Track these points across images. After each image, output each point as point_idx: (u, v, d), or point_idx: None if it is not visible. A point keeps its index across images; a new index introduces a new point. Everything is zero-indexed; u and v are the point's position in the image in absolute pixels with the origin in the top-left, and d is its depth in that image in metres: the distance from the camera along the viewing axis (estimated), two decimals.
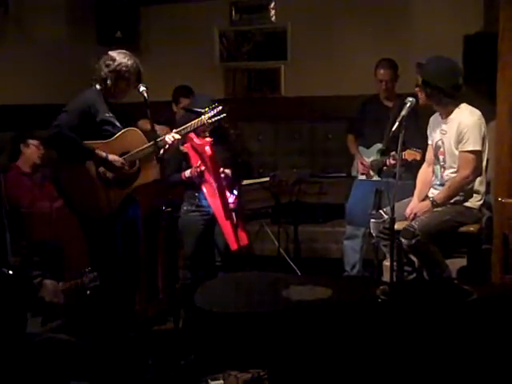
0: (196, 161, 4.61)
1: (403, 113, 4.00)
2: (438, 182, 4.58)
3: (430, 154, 4.67)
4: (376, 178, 5.38)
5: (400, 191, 4.12)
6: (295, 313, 3.84)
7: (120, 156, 4.21)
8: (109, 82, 4.19)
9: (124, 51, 4.24)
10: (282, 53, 7.11)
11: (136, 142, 4.24)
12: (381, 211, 4.60)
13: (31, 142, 5.33)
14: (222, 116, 4.39)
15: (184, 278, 4.82)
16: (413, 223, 4.36)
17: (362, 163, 5.56)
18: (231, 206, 4.64)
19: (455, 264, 4.79)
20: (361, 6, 6.67)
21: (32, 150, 5.35)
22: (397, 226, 4.18)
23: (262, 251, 6.08)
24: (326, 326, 3.70)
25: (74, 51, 6.95)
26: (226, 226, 4.62)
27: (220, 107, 4.38)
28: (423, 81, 4.39)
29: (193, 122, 4.32)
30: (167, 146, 4.22)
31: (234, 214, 4.64)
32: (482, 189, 4.49)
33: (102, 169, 4.20)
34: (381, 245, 4.70)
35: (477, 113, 4.41)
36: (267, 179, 5.99)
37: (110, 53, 4.21)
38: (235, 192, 4.73)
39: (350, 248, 5.67)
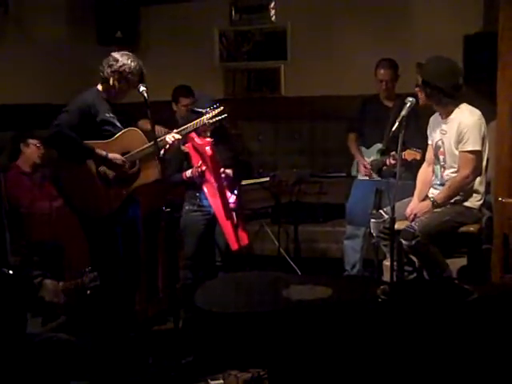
0: (197, 161, 4.61)
1: (403, 113, 4.00)
2: (438, 182, 4.57)
3: (430, 154, 4.66)
4: (377, 178, 5.36)
5: (400, 191, 4.13)
6: (295, 312, 3.84)
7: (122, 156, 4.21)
8: (111, 82, 4.19)
9: (127, 53, 4.24)
10: (281, 53, 7.11)
11: (136, 142, 4.24)
12: (381, 211, 4.60)
13: (31, 141, 5.33)
14: (222, 116, 4.40)
15: (184, 277, 4.82)
16: (413, 224, 4.36)
17: (364, 165, 5.52)
18: (232, 205, 4.64)
19: (455, 264, 4.79)
20: (361, 6, 6.68)
21: (32, 150, 5.34)
22: (397, 226, 4.18)
23: (262, 251, 6.08)
24: (326, 326, 3.70)
25: (74, 51, 6.95)
26: (226, 226, 4.62)
27: (221, 108, 4.39)
28: (423, 81, 4.39)
29: (193, 123, 4.33)
30: (168, 146, 4.22)
31: (234, 214, 4.65)
32: (482, 189, 4.49)
33: (102, 168, 4.20)
34: (381, 244, 4.70)
35: (477, 113, 4.41)
36: (267, 179, 5.99)
37: (114, 54, 4.22)
38: (236, 192, 4.73)
39: (350, 248, 5.67)
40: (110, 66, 4.18)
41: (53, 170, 4.53)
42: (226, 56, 7.33)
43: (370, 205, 4.88)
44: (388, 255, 4.62)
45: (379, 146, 5.46)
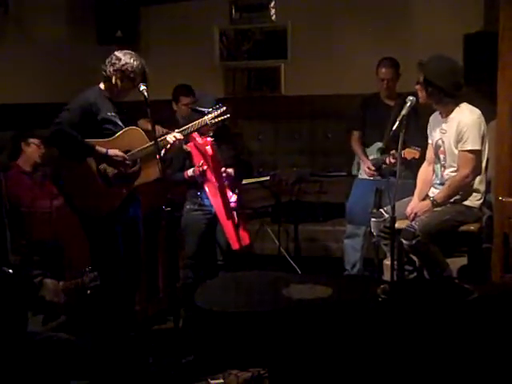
0: (199, 160, 4.61)
1: (404, 112, 4.01)
2: (438, 181, 4.58)
3: (430, 153, 4.66)
4: (379, 178, 5.35)
5: (400, 190, 4.13)
6: (295, 312, 3.84)
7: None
8: (113, 81, 4.19)
9: (130, 51, 4.24)
10: (282, 52, 7.12)
11: (138, 140, 4.24)
12: (381, 210, 4.60)
13: (32, 140, 5.33)
14: (225, 117, 4.40)
15: (185, 277, 4.82)
16: (413, 223, 4.36)
17: (368, 167, 5.46)
18: (232, 205, 4.64)
19: (456, 263, 4.79)
20: (361, 6, 6.68)
21: (33, 149, 5.34)
22: (397, 225, 4.19)
23: (263, 250, 6.09)
24: (327, 325, 3.70)
25: (74, 51, 6.96)
26: (227, 226, 4.62)
27: (224, 108, 4.38)
28: (424, 79, 4.38)
29: (196, 122, 4.33)
30: (169, 145, 4.22)
31: (235, 213, 4.65)
32: (482, 188, 4.49)
33: (102, 166, 4.20)
34: (381, 244, 4.70)
35: (476, 112, 4.41)
36: (267, 178, 5.99)
37: (116, 52, 4.21)
38: (237, 191, 4.74)
39: (350, 247, 5.67)
40: (113, 64, 4.18)
41: (53, 169, 4.53)
42: (226, 55, 7.34)
43: (370, 204, 4.88)
44: (388, 254, 4.62)
45: (379, 144, 5.45)
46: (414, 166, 4.88)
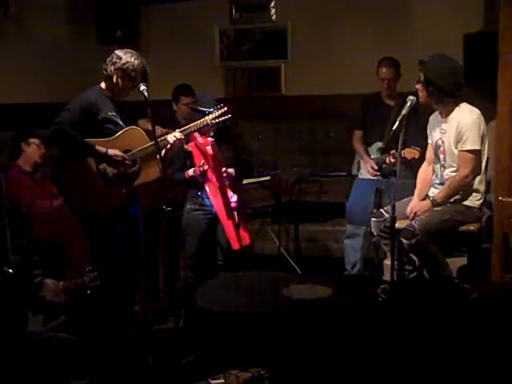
0: (199, 160, 4.61)
1: (404, 111, 4.01)
2: (438, 181, 4.58)
3: (430, 153, 4.67)
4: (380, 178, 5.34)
5: (400, 190, 4.13)
6: (295, 312, 3.84)
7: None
8: (114, 80, 4.19)
9: (131, 50, 4.24)
10: (282, 52, 7.12)
11: (138, 140, 4.24)
12: (381, 210, 4.60)
13: (32, 140, 5.33)
14: (226, 117, 4.40)
15: (185, 277, 4.82)
16: (413, 223, 4.36)
17: (372, 167, 5.43)
18: (233, 205, 4.65)
19: (455, 263, 4.79)
20: (361, 6, 6.68)
21: (33, 149, 5.34)
22: (397, 225, 4.19)
23: (263, 250, 6.09)
24: (327, 325, 3.70)
25: (74, 51, 6.96)
26: (227, 226, 4.63)
27: (225, 108, 4.38)
28: (425, 78, 4.38)
29: (197, 122, 4.33)
30: (169, 145, 4.22)
31: (235, 213, 4.65)
32: (482, 188, 4.49)
33: (102, 166, 4.20)
34: (381, 243, 4.70)
35: (476, 112, 4.41)
36: (267, 178, 6.00)
37: (117, 52, 4.21)
38: (238, 191, 4.74)
39: (350, 247, 5.67)
40: (114, 63, 4.18)
41: (53, 169, 4.53)
42: (227, 55, 7.34)
43: (370, 204, 4.88)
44: (388, 254, 4.62)
45: (379, 144, 5.45)
46: (414, 165, 4.88)
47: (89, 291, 3.59)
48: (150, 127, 4.01)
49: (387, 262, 4.97)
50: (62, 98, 4.66)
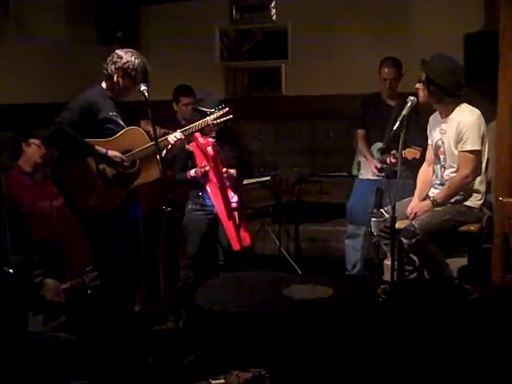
0: (201, 160, 4.62)
1: (404, 112, 4.01)
2: (438, 182, 4.58)
3: (430, 154, 4.66)
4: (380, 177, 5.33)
5: (401, 190, 4.13)
6: (296, 312, 3.84)
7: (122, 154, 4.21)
8: (115, 79, 4.18)
9: (131, 50, 4.24)
10: (282, 52, 7.12)
11: (138, 141, 4.23)
12: (382, 210, 4.59)
13: (33, 141, 5.32)
14: (228, 118, 4.39)
15: (186, 277, 4.82)
16: (413, 222, 4.36)
17: (376, 167, 5.41)
18: (234, 205, 4.65)
19: (456, 263, 4.79)
20: (361, 6, 6.68)
21: (34, 150, 5.34)
22: (398, 225, 4.19)
23: (263, 250, 6.08)
24: (327, 325, 3.70)
25: (75, 51, 6.97)
26: (228, 226, 4.63)
27: (227, 109, 4.38)
28: (427, 78, 4.37)
29: (198, 123, 4.33)
30: (170, 145, 4.22)
31: (236, 214, 4.65)
32: (483, 188, 4.49)
33: (102, 166, 4.20)
34: (382, 244, 4.70)
35: (476, 112, 4.41)
36: (268, 178, 5.99)
37: (117, 51, 4.21)
38: (239, 192, 4.74)
39: (351, 247, 5.67)
40: (114, 62, 4.17)
41: (53, 169, 4.53)
42: (227, 55, 7.34)
43: (370, 204, 4.87)
44: (389, 254, 4.62)
45: (380, 144, 5.45)
46: (415, 166, 4.88)
47: (89, 291, 3.59)
48: (150, 128, 4.01)
49: (387, 262, 4.96)
50: (62, 98, 4.66)
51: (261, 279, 4.62)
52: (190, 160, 4.72)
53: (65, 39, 6.97)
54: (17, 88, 6.32)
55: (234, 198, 4.68)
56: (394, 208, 3.92)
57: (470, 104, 4.45)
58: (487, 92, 5.02)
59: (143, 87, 4.01)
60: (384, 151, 5.28)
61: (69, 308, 3.96)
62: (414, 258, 4.67)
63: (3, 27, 6.30)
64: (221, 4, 7.22)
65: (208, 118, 4.35)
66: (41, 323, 3.80)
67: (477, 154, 4.36)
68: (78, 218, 4.32)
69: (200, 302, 4.04)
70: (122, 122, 4.24)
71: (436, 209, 4.43)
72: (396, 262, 4.22)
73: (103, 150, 4.14)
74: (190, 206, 4.79)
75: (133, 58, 4.17)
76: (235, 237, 4.62)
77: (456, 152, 4.39)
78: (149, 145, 4.19)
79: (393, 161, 5.06)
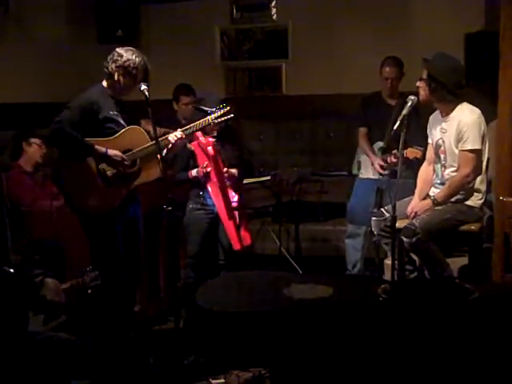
0: (202, 159, 4.62)
1: (404, 111, 4.01)
2: (438, 181, 4.57)
3: (430, 153, 4.66)
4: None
5: (401, 190, 4.13)
6: (296, 311, 3.84)
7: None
8: (115, 77, 4.18)
9: (132, 48, 4.23)
10: (283, 51, 7.11)
11: (138, 140, 4.23)
12: (382, 209, 4.60)
13: (34, 140, 5.32)
14: (228, 117, 4.39)
15: (186, 276, 4.82)
16: (414, 221, 4.36)
17: (379, 165, 5.37)
18: (234, 205, 4.64)
19: (456, 263, 4.79)
20: (361, 6, 6.68)
21: (34, 149, 5.34)
22: (398, 225, 4.19)
23: (264, 250, 6.08)
24: (327, 325, 3.70)
25: (75, 50, 6.96)
26: (229, 226, 4.63)
27: (228, 108, 4.38)
28: (429, 75, 4.36)
29: (198, 122, 4.32)
30: (170, 145, 4.22)
31: (237, 213, 4.65)
32: (483, 187, 4.49)
33: (102, 166, 4.20)
34: (382, 243, 4.70)
35: (476, 111, 4.40)
36: (268, 178, 5.99)
37: (118, 49, 4.20)
38: (239, 191, 4.74)
39: (351, 246, 5.67)
40: (115, 61, 4.16)
41: (54, 169, 4.52)
42: (227, 55, 7.33)
43: (370, 203, 4.88)
44: (389, 254, 4.62)
45: (380, 144, 5.45)
46: (415, 165, 4.87)
47: (90, 291, 3.59)
48: (150, 128, 4.01)
49: (388, 261, 4.96)
50: (63, 97, 4.66)
51: (261, 279, 4.62)
52: (191, 159, 4.71)
53: (65, 38, 6.97)
54: (17, 87, 6.32)
55: (234, 198, 4.68)
56: (394, 207, 3.92)
57: (470, 103, 4.45)
58: (487, 91, 5.02)
59: (143, 86, 4.00)
60: (385, 150, 5.27)
61: (69, 308, 3.96)
62: (415, 257, 4.67)
63: (3, 27, 6.30)
64: (221, 3, 7.22)
65: (209, 117, 4.35)
66: (41, 323, 3.80)
67: (477, 153, 4.35)
68: (78, 218, 4.31)
69: (200, 302, 4.04)
70: (122, 122, 4.23)
71: (436, 208, 4.43)
72: (396, 262, 4.22)
73: (103, 149, 4.14)
74: (190, 206, 4.79)
75: (133, 57, 4.16)
76: (235, 236, 4.62)
77: (456, 151, 4.39)
78: (149, 144, 4.19)
79: (394, 160, 5.06)
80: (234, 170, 4.73)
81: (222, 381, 4.01)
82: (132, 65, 4.15)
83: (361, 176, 5.61)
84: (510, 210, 4.70)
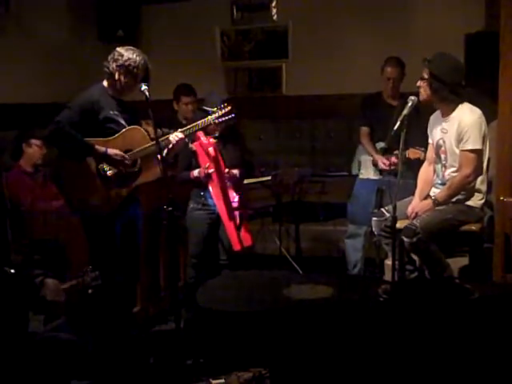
0: (204, 159, 4.61)
1: (405, 112, 4.02)
2: (439, 181, 4.57)
3: (430, 153, 4.66)
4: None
5: (401, 190, 4.13)
6: (296, 312, 3.84)
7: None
8: (116, 77, 4.17)
9: (132, 47, 4.23)
10: (283, 52, 7.12)
11: (139, 140, 4.22)
12: (382, 210, 4.59)
13: (33, 141, 5.32)
14: (230, 117, 4.39)
15: (188, 276, 4.83)
16: (414, 221, 4.36)
17: (383, 162, 5.36)
18: (235, 205, 4.64)
19: (457, 263, 4.79)
20: (361, 6, 6.69)
21: (34, 150, 5.34)
22: (398, 225, 4.19)
23: (264, 250, 6.08)
24: (328, 325, 3.70)
25: (76, 50, 6.97)
26: (229, 227, 4.62)
27: (229, 108, 4.38)
28: (431, 75, 4.36)
29: (199, 122, 4.32)
30: (171, 145, 4.21)
31: (237, 214, 4.65)
32: (484, 188, 4.49)
33: (102, 166, 4.19)
34: (382, 243, 4.69)
35: (477, 111, 4.40)
36: (268, 178, 5.98)
37: (119, 49, 4.20)
38: (240, 192, 4.74)
39: (351, 247, 5.67)
40: (116, 60, 4.16)
41: (53, 169, 4.52)
42: (228, 55, 7.34)
43: (371, 204, 4.87)
44: (389, 254, 4.62)
45: (381, 144, 5.45)
46: (416, 165, 4.87)
47: (90, 290, 3.59)
48: (150, 128, 4.00)
49: (388, 261, 4.96)
50: (63, 97, 4.66)
51: (261, 279, 4.62)
52: (193, 159, 4.71)
53: (65, 38, 6.97)
54: (17, 87, 6.31)
55: (235, 198, 4.68)
56: (394, 207, 3.91)
57: (470, 103, 4.45)
58: (488, 92, 5.01)
59: (144, 87, 4.00)
60: (386, 151, 5.27)
61: (69, 308, 3.97)
62: (415, 257, 4.66)
63: (3, 26, 6.29)
64: (221, 4, 7.23)
65: (209, 117, 4.34)
66: (41, 323, 3.81)
67: (478, 153, 4.35)
68: (79, 218, 4.31)
69: (200, 302, 4.04)
70: (123, 122, 4.22)
71: (437, 208, 4.42)
72: (397, 262, 4.22)
73: (103, 149, 4.13)
74: (191, 206, 4.79)
75: (134, 56, 4.16)
76: (235, 237, 4.62)
77: (457, 151, 4.38)
78: (150, 144, 4.18)
79: (395, 161, 5.06)
80: (235, 171, 4.73)
81: (222, 381, 4.01)
82: (133, 64, 4.14)
83: (361, 176, 5.60)
84: (511, 210, 4.70)
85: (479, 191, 4.45)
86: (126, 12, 7.10)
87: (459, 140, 4.36)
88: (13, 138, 5.51)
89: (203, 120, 4.33)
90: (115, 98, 4.24)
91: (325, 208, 6.30)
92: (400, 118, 3.99)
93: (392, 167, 5.22)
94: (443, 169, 4.51)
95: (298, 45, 7.03)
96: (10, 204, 4.87)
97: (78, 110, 4.12)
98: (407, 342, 3.49)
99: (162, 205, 3.82)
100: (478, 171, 4.38)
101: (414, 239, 4.29)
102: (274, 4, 7.10)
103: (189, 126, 4.33)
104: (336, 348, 3.63)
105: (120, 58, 4.15)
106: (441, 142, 4.49)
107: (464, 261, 4.75)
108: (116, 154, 4.16)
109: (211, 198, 4.69)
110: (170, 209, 3.78)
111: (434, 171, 4.61)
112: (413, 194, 4.64)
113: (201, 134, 4.55)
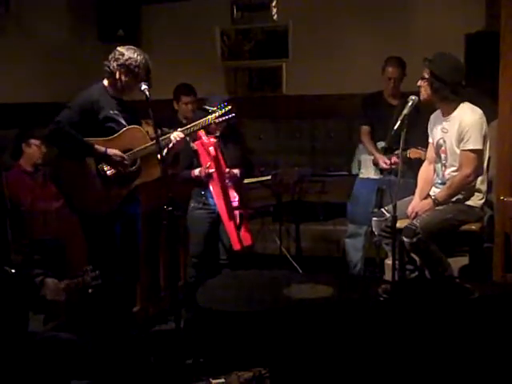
0: (205, 159, 4.61)
1: (405, 111, 4.02)
2: (439, 181, 4.57)
3: (430, 153, 4.66)
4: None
5: (402, 189, 4.13)
6: (296, 311, 3.84)
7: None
8: (117, 76, 4.17)
9: (133, 47, 4.23)
10: (283, 51, 7.12)
11: (139, 140, 4.22)
12: (382, 209, 4.59)
13: (33, 141, 5.32)
14: (230, 116, 4.39)
15: (188, 275, 4.83)
16: (414, 221, 4.35)
17: (384, 162, 5.38)
18: (235, 205, 4.64)
19: (457, 262, 4.79)
20: (361, 6, 6.69)
21: (34, 150, 5.33)
22: (399, 225, 4.18)
23: (264, 250, 6.08)
24: (328, 325, 3.70)
25: (76, 49, 6.96)
26: (229, 226, 4.63)
27: (229, 107, 4.38)
28: (432, 74, 4.36)
29: (199, 121, 4.32)
30: (171, 144, 4.21)
31: (238, 213, 4.65)
32: (484, 187, 4.49)
33: (101, 166, 4.19)
34: (383, 243, 4.69)
35: (478, 111, 4.40)
36: (269, 178, 5.98)
37: (119, 48, 4.20)
38: (240, 192, 4.74)
39: (351, 246, 5.67)
40: (117, 59, 4.16)
41: (53, 169, 4.52)
42: (228, 55, 7.34)
43: (371, 203, 4.88)
44: (389, 254, 4.62)
45: (382, 144, 5.45)
46: (416, 165, 4.87)
47: (90, 290, 3.60)
48: (151, 128, 4.00)
49: (388, 261, 4.96)
50: (63, 97, 4.65)
51: (261, 278, 4.62)
52: (194, 158, 4.72)
53: (66, 38, 6.96)
54: (17, 87, 6.31)
55: (235, 198, 4.68)
56: (394, 207, 3.91)
57: (471, 103, 4.45)
58: (488, 91, 5.01)
59: (144, 86, 4.00)
60: (386, 150, 5.27)
61: (69, 307, 3.97)
62: (415, 257, 4.66)
63: (3, 26, 6.29)
64: (222, 3, 7.23)
65: (209, 116, 4.34)
66: (41, 323, 3.81)
67: (478, 153, 4.35)
68: (78, 218, 4.31)
69: (200, 302, 4.04)
70: (123, 121, 4.22)
71: (437, 208, 4.42)
72: (397, 262, 4.22)
73: (102, 149, 4.13)
74: (192, 205, 4.79)
75: (135, 55, 4.16)
76: (235, 237, 4.62)
77: (458, 151, 4.38)
78: (149, 144, 4.18)
79: (396, 160, 5.06)
80: (235, 171, 4.73)
81: (223, 381, 4.01)
82: (134, 63, 4.14)
83: (361, 176, 5.60)
84: (511, 209, 4.70)
85: (479, 191, 4.45)
86: (126, 12, 7.10)
87: (460, 140, 4.36)
88: (13, 138, 5.51)
89: (203, 120, 4.33)
90: (115, 97, 4.24)
91: (325, 208, 6.30)
92: (400, 118, 3.99)
93: (393, 166, 5.22)
94: (443, 168, 4.51)
95: (298, 44, 7.03)
96: (10, 204, 4.87)
97: (78, 110, 4.12)
98: (407, 342, 3.49)
99: (162, 204, 3.82)
100: (478, 171, 4.38)
101: (414, 239, 4.29)
102: (274, 4, 7.10)
103: (188, 126, 4.33)
104: (336, 348, 3.63)
105: (121, 57, 4.15)
106: (441, 141, 4.49)
107: (464, 260, 4.75)
108: (115, 155, 4.15)
109: (212, 197, 4.69)
110: (169, 208, 3.78)
111: (434, 171, 4.61)
112: (413, 194, 4.64)
113: (202, 133, 4.55)
